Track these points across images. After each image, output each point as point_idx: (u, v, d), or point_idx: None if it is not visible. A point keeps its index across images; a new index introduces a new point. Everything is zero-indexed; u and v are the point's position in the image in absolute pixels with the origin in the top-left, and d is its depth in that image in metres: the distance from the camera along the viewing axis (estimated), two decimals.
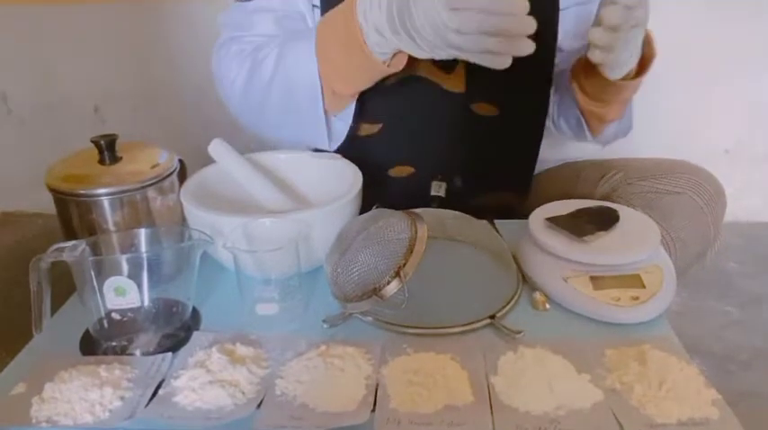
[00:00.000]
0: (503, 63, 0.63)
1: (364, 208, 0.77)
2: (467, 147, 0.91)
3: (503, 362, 0.59)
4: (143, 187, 0.70)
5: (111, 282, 0.60)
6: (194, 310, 0.69)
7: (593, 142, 0.94)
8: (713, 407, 0.52)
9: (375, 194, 0.81)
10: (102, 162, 0.71)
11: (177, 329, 0.66)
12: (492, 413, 0.53)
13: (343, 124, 0.87)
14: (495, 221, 0.86)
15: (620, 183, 0.89)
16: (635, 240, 0.71)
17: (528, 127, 0.91)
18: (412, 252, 0.64)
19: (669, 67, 1.49)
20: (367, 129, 0.89)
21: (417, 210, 0.71)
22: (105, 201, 0.68)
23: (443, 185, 0.96)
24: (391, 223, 0.67)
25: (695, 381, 0.55)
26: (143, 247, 0.68)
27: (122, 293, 0.60)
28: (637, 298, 0.66)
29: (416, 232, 0.65)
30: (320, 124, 0.83)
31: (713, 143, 1.55)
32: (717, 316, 1.21)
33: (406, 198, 0.88)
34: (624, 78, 0.79)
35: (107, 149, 0.70)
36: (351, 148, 0.90)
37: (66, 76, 1.65)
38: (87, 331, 0.65)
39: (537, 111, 0.90)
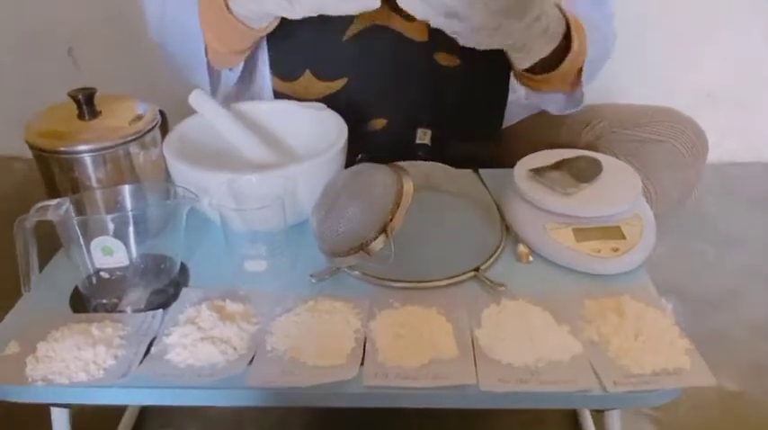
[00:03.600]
0: None
1: (347, 159, 0.77)
2: (434, 98, 0.90)
3: (486, 315, 0.61)
4: (125, 143, 0.69)
5: (97, 242, 0.60)
6: (182, 266, 0.69)
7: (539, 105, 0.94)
8: (686, 357, 0.55)
9: (358, 147, 0.80)
10: (81, 117, 0.69)
11: (166, 286, 0.67)
12: (476, 366, 0.55)
13: (233, 74, 0.88)
14: (480, 171, 0.86)
15: (604, 131, 0.90)
16: (617, 192, 0.72)
17: (491, 79, 0.90)
18: (398, 207, 0.64)
19: (653, 13, 1.48)
20: (332, 86, 0.88)
21: (403, 164, 0.71)
22: (87, 158, 0.67)
23: (428, 133, 0.95)
24: (377, 178, 0.67)
25: (669, 332, 0.57)
26: (128, 204, 0.67)
27: (110, 253, 0.60)
28: (617, 249, 0.67)
29: (402, 186, 0.66)
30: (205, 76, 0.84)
31: (695, 87, 1.55)
32: (693, 257, 1.25)
33: (389, 147, 0.88)
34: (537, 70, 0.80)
35: (86, 104, 0.69)
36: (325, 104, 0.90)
37: (38, 15, 1.58)
38: (77, 288, 0.65)
39: (499, 63, 0.89)
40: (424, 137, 0.95)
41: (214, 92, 0.89)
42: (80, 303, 0.64)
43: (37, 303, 0.65)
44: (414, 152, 0.91)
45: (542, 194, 0.72)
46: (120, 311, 0.63)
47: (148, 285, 0.66)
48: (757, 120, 1.59)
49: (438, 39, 0.82)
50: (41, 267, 0.68)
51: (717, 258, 1.25)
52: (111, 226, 0.60)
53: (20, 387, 0.55)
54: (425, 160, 0.90)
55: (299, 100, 0.87)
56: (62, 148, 0.66)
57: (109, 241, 0.60)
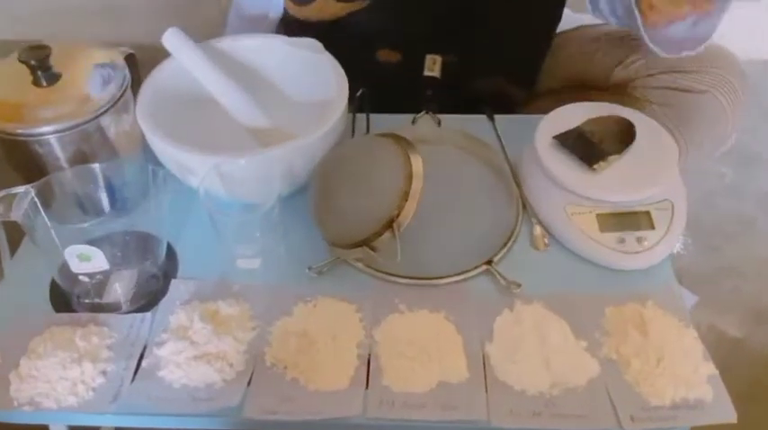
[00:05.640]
0: None
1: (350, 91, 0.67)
2: (466, 29, 0.79)
3: (498, 325, 0.57)
4: (95, 117, 0.59)
5: (72, 250, 0.54)
6: (170, 249, 0.64)
7: (647, 42, 0.67)
8: (708, 386, 0.52)
9: (362, 79, 0.71)
10: (36, 83, 0.59)
11: (156, 271, 0.62)
12: (486, 392, 0.52)
13: None
14: (496, 118, 0.77)
15: (639, 71, 0.79)
16: (649, 169, 0.65)
17: (541, 12, 0.78)
18: (406, 200, 0.58)
19: None
20: (348, 8, 0.76)
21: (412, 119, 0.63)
22: (52, 139, 0.58)
23: (438, 61, 0.84)
24: (382, 158, 0.60)
25: (693, 354, 0.54)
26: (102, 184, 0.61)
27: (87, 259, 0.55)
28: (643, 240, 0.62)
29: (411, 171, 0.59)
30: None
31: None
32: (710, 179, 1.19)
33: (396, 82, 0.78)
34: None
35: (40, 69, 0.58)
36: (334, 28, 0.78)
37: None
38: (54, 280, 0.60)
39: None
40: (432, 66, 0.84)
41: None
42: (60, 299, 0.60)
43: (14, 298, 0.60)
44: (421, 89, 0.82)
45: (566, 170, 0.65)
46: (108, 305, 0.59)
47: (134, 268, 0.61)
48: None
49: None
50: (12, 245, 0.63)
51: (735, 180, 1.18)
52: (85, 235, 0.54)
53: (6, 412, 0.52)
54: (434, 100, 0.81)
55: (305, 23, 0.75)
56: (20, 131, 0.57)
57: (84, 249, 0.54)
